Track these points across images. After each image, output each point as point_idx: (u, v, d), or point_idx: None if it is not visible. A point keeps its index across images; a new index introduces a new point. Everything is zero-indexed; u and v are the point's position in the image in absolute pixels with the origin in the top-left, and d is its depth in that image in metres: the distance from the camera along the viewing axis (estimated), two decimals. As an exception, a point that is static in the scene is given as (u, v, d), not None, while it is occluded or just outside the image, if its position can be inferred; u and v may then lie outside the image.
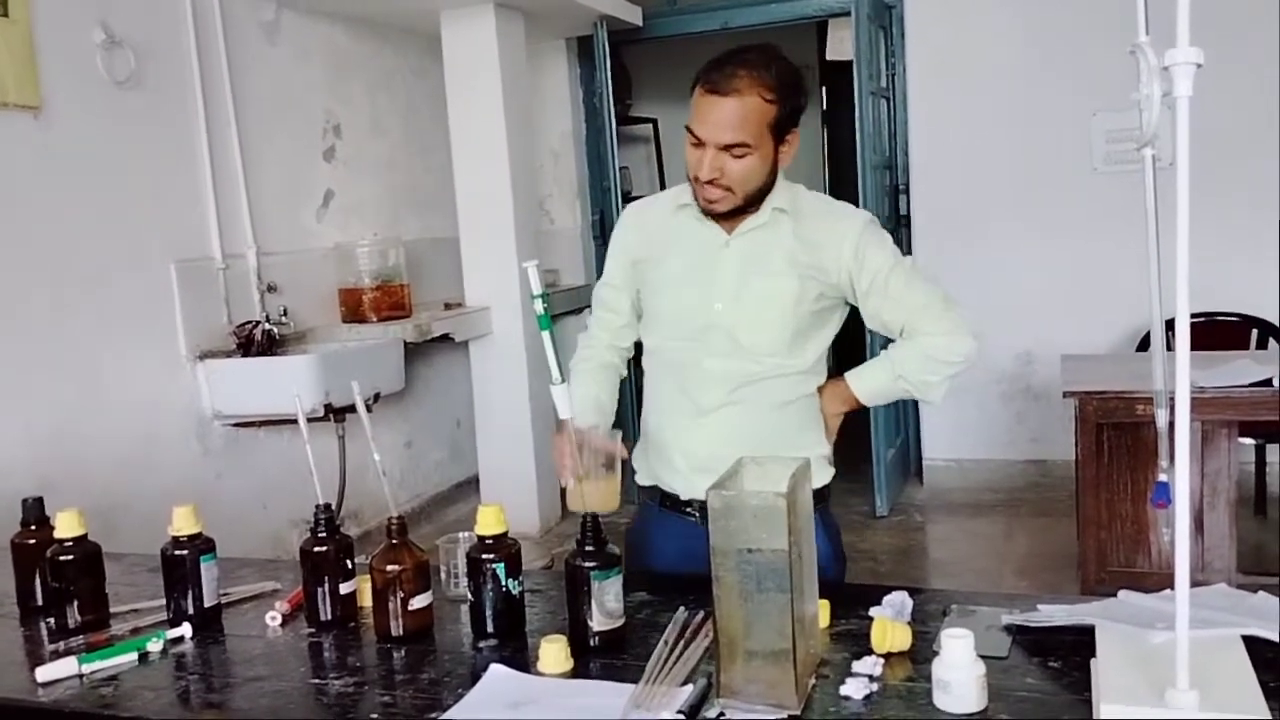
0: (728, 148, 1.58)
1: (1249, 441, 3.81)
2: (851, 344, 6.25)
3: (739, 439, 1.63)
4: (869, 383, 1.75)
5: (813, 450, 1.71)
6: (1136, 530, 3.19)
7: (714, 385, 1.70)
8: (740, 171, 1.60)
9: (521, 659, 1.35)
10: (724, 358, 1.69)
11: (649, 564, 1.78)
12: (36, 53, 2.91)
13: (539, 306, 1.47)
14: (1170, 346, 1.13)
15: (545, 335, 1.48)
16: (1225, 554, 3.10)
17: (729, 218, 1.68)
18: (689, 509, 1.74)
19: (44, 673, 1.38)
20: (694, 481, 1.69)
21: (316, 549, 1.50)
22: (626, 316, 1.84)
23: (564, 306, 4.78)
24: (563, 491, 1.54)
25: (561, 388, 1.51)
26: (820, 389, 1.76)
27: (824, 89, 7.17)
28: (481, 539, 1.43)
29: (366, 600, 1.51)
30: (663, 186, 6.23)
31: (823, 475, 1.75)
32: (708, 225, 1.70)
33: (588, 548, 1.37)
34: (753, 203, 1.66)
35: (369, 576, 1.47)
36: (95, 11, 3.11)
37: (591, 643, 1.36)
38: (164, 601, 1.55)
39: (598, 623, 1.36)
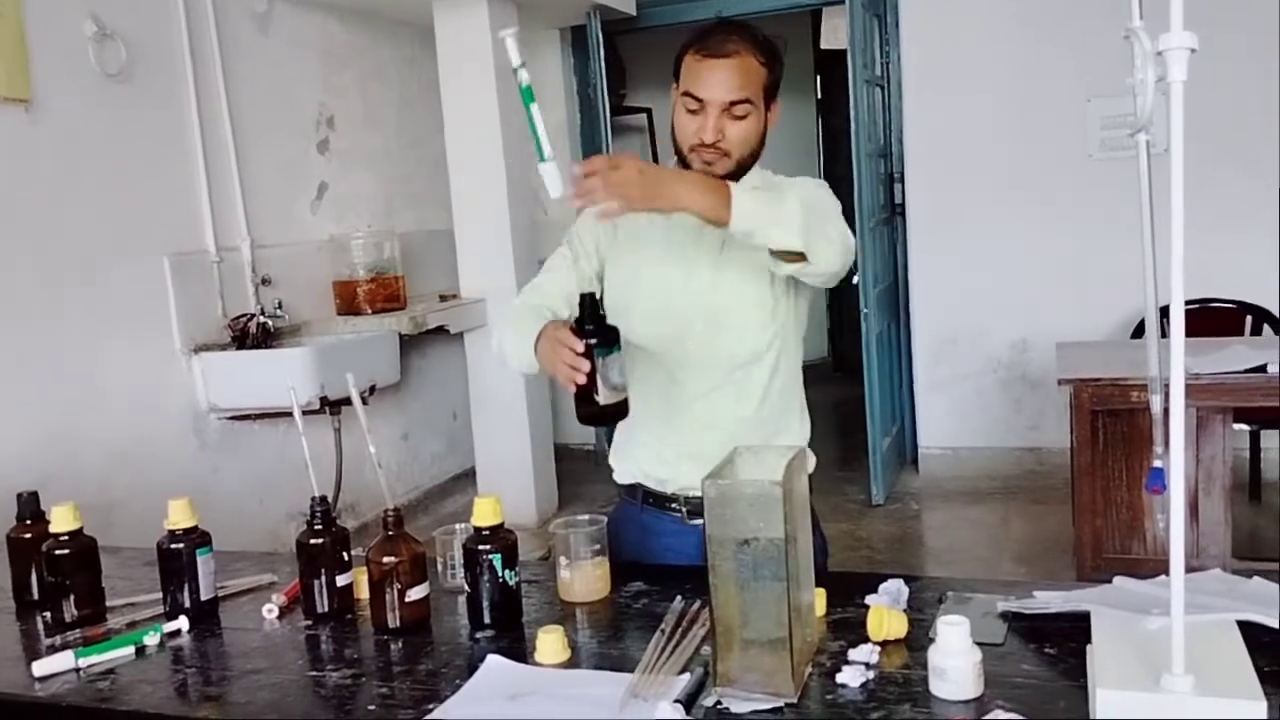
0: (730, 106, 1.59)
1: (1244, 427, 3.81)
2: (846, 332, 6.14)
3: (728, 424, 1.65)
4: (753, 197, 1.47)
5: (795, 439, 1.71)
6: (1132, 517, 3.20)
7: (704, 367, 1.68)
8: (740, 133, 1.60)
9: (519, 650, 1.35)
10: (713, 336, 1.67)
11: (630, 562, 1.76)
12: (28, 45, 2.90)
13: (524, 77, 1.44)
14: (1165, 333, 1.13)
15: (533, 109, 1.44)
16: (1220, 539, 3.11)
17: None
18: (673, 505, 1.72)
19: (40, 667, 1.38)
20: (682, 470, 1.69)
21: (313, 541, 1.50)
22: (584, 285, 1.70)
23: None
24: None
25: (551, 165, 1.44)
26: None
27: (818, 78, 7.16)
28: (478, 530, 1.43)
29: (363, 592, 1.51)
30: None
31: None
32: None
33: (587, 326, 1.41)
34: (742, 171, 1.65)
35: (366, 569, 1.47)
36: (86, 4, 3.09)
37: (601, 415, 1.42)
38: (160, 595, 1.55)
39: (603, 396, 1.41)
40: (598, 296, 1.43)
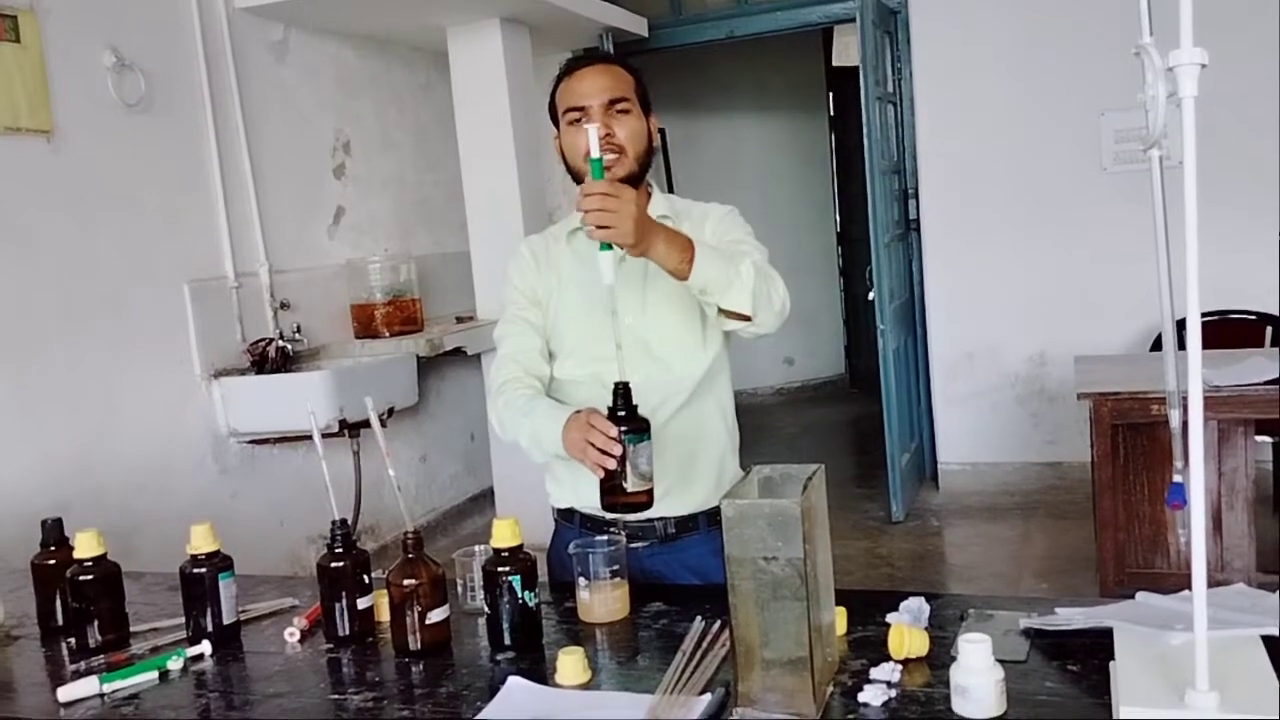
0: (611, 105, 1.66)
1: (1266, 439, 3.78)
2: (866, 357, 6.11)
3: (662, 454, 1.66)
4: (713, 258, 1.53)
5: (728, 469, 1.77)
6: (1155, 531, 3.18)
7: (640, 396, 1.64)
8: (628, 130, 1.67)
9: (539, 671, 1.35)
10: (640, 372, 1.66)
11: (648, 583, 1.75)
12: (48, 77, 2.94)
13: (594, 152, 1.45)
14: (1183, 346, 1.12)
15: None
16: (1244, 553, 3.09)
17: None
18: (612, 529, 1.72)
19: (65, 693, 1.38)
20: None
21: (333, 564, 1.51)
22: (543, 337, 1.78)
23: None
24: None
25: (609, 254, 1.45)
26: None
27: (830, 95, 7.18)
28: (497, 552, 1.43)
29: (384, 615, 1.51)
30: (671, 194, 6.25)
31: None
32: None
33: (620, 413, 1.44)
34: (641, 171, 1.70)
35: (386, 591, 1.47)
36: (105, 36, 3.14)
37: (627, 504, 1.46)
38: (183, 620, 1.56)
39: (631, 484, 1.44)
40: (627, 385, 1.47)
